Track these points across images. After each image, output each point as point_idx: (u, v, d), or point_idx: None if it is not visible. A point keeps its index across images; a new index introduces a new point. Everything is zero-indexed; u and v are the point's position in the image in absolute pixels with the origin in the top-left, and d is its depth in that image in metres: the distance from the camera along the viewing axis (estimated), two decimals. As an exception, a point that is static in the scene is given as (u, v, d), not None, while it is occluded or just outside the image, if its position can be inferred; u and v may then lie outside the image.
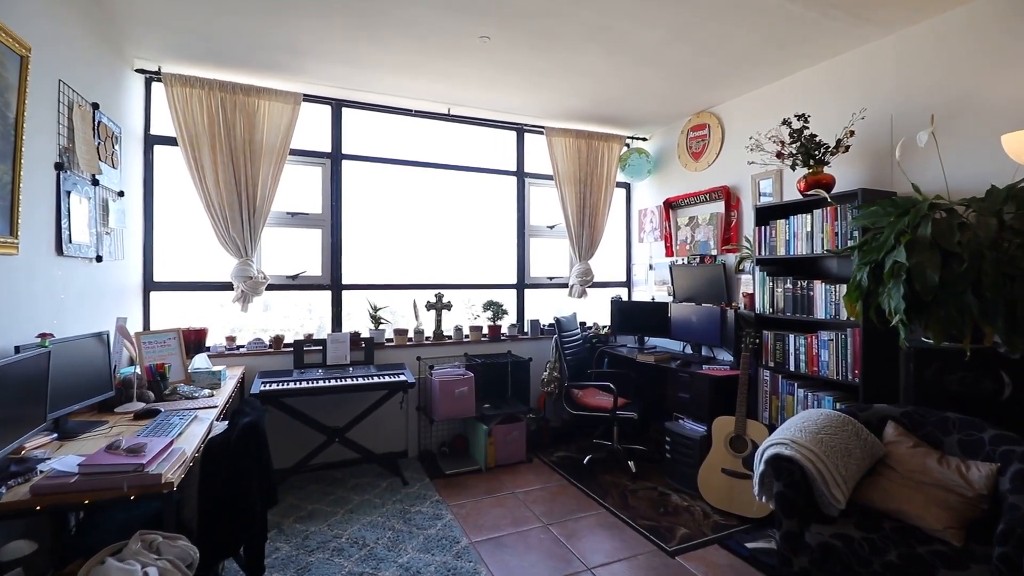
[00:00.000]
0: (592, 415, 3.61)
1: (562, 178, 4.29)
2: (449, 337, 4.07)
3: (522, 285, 4.43)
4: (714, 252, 3.91)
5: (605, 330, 4.50)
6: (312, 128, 3.77)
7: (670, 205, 4.33)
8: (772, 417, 3.12)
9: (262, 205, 3.38)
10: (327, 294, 3.80)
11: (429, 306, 3.99)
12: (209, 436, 1.96)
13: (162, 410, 2.21)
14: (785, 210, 3.12)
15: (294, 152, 3.64)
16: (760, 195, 3.57)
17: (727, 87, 3.56)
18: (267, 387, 3.09)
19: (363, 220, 3.94)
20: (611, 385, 3.54)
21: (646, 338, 4.39)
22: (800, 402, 2.97)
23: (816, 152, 2.89)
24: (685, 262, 4.18)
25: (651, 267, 4.60)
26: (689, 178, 4.19)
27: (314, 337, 3.66)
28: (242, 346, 3.56)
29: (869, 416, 2.38)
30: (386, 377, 3.39)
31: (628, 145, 4.58)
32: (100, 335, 2.26)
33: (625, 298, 4.84)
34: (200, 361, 2.79)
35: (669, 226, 4.33)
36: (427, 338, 4.03)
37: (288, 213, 3.67)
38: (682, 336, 4.03)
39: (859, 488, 2.14)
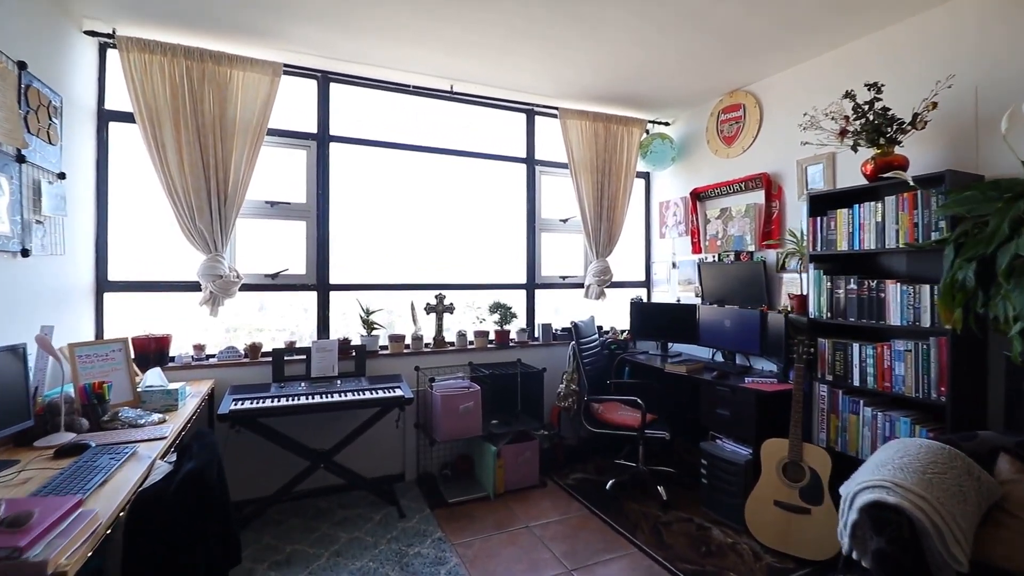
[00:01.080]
0: (616, 434, 3.16)
1: (577, 165, 3.84)
2: (451, 344, 3.61)
3: (532, 285, 3.97)
4: (751, 248, 3.46)
5: (624, 335, 4.05)
6: (295, 105, 3.30)
7: (697, 196, 3.88)
8: (830, 439, 2.67)
9: (235, 192, 2.91)
10: (312, 295, 3.32)
11: (429, 309, 3.53)
12: (145, 483, 1.49)
13: (92, 444, 1.74)
14: (845, 198, 2.67)
15: (273, 132, 3.17)
16: (807, 183, 3.12)
17: (771, 59, 3.12)
18: (239, 405, 2.62)
19: (354, 211, 3.47)
20: (638, 400, 3.09)
21: (670, 344, 3.94)
22: (867, 423, 2.52)
23: (887, 129, 2.45)
24: (716, 259, 3.73)
25: (674, 265, 4.15)
26: (720, 166, 3.75)
27: (297, 345, 3.19)
28: (212, 356, 3.08)
29: (975, 447, 1.93)
30: (379, 392, 2.92)
31: (648, 131, 4.13)
32: (15, 348, 1.78)
33: (646, 299, 4.38)
34: (153, 377, 2.32)
35: (696, 219, 3.88)
36: (427, 345, 3.56)
37: (267, 203, 3.19)
38: (713, 342, 3.59)
39: (976, 541, 1.70)
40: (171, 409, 2.24)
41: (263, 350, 3.14)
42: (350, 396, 2.83)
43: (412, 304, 3.50)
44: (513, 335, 3.79)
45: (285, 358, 3.08)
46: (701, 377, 3.17)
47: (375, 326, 3.36)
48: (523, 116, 3.95)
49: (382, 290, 3.58)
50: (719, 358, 3.66)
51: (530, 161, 3.97)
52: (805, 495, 2.52)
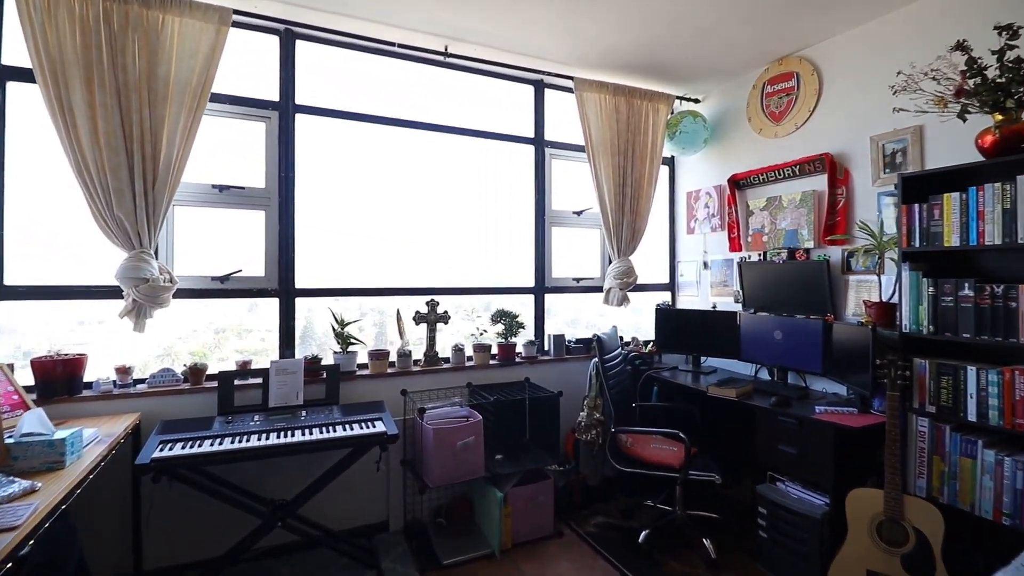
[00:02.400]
0: (650, 474, 2.55)
1: (596, 147, 3.22)
2: (446, 361, 2.98)
3: (542, 289, 3.35)
4: (809, 244, 2.87)
5: (649, 347, 3.44)
6: (251, 66, 2.66)
7: (737, 184, 3.29)
8: (932, 488, 2.08)
9: (168, 172, 2.26)
10: (273, 303, 2.68)
11: (419, 318, 2.90)
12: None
13: None
14: (950, 179, 2.09)
15: (222, 98, 2.53)
16: (884, 164, 2.54)
17: (837, 15, 2.53)
18: (165, 451, 1.97)
19: (326, 199, 2.83)
20: (680, 434, 2.48)
21: (703, 358, 3.35)
22: (987, 470, 1.93)
23: (1019, 89, 1.86)
24: (761, 258, 3.14)
25: (705, 265, 3.56)
26: (765, 147, 3.16)
27: (251, 366, 2.54)
28: (141, 381, 2.43)
29: None
30: (355, 426, 2.28)
31: (674, 110, 3.53)
32: None
33: (672, 305, 3.79)
34: (32, 422, 1.66)
35: (735, 212, 3.29)
36: (416, 363, 2.93)
37: (214, 187, 2.54)
38: (758, 357, 3.00)
39: None
40: (55, 468, 1.59)
41: (209, 373, 2.49)
42: (317, 434, 2.19)
43: (398, 313, 2.87)
44: (519, 348, 3.17)
45: (236, 383, 2.43)
46: (755, 404, 2.57)
47: (352, 341, 2.72)
48: (531, 90, 3.33)
49: (361, 296, 2.94)
50: (765, 375, 3.08)
51: (539, 142, 3.35)
52: (909, 565, 1.93)
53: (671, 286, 3.85)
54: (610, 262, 3.38)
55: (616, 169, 3.25)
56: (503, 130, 3.26)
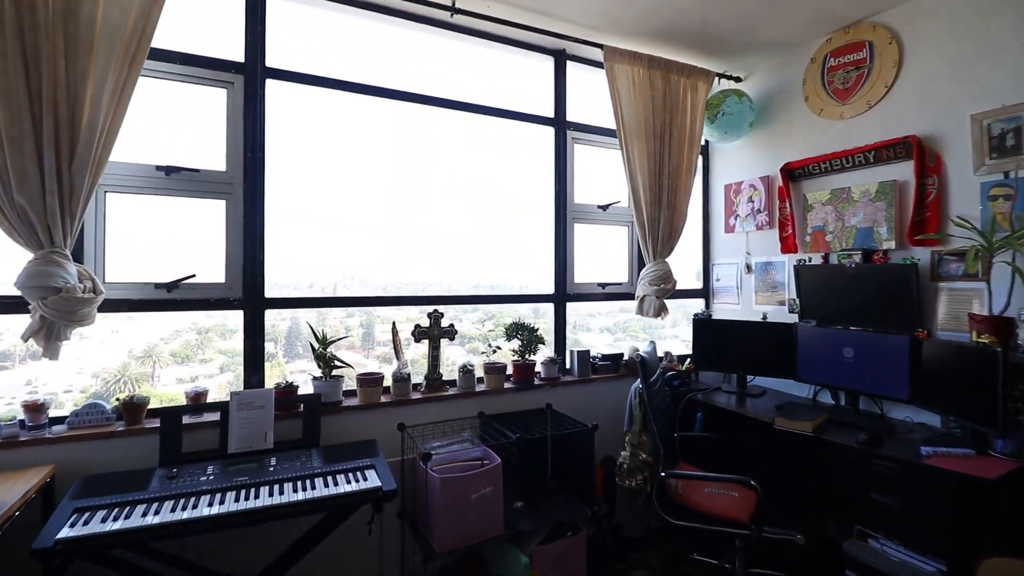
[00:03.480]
0: (710, 529, 2.06)
1: (628, 129, 2.73)
2: (451, 384, 2.46)
3: (563, 296, 2.85)
4: (889, 244, 2.41)
5: (686, 364, 2.96)
6: (210, 16, 2.11)
7: (791, 173, 2.82)
8: (1087, 557, 1.62)
9: (91, 146, 1.70)
10: (237, 316, 2.13)
11: (419, 334, 2.37)
12: None
13: None
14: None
15: (169, 55, 1.98)
16: (991, 147, 2.09)
17: (940, -40, 2.08)
18: (79, 526, 1.42)
19: (304, 187, 2.29)
20: (752, 482, 1.98)
21: (749, 377, 2.87)
22: None
23: None
24: (824, 260, 2.68)
25: (748, 268, 3.09)
26: (828, 130, 2.69)
27: (206, 399, 1.99)
28: (60, 419, 1.86)
29: None
30: (340, 480, 1.75)
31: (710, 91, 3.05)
32: None
33: (709, 313, 3.31)
34: None
35: (789, 206, 2.82)
36: (416, 388, 2.40)
37: (159, 169, 1.99)
38: (822, 378, 2.54)
39: None
40: None
41: (150, 407, 1.94)
42: (289, 493, 1.66)
43: (394, 328, 2.34)
44: (538, 367, 2.66)
45: (186, 420, 1.89)
46: (837, 440, 2.09)
47: (336, 364, 2.18)
48: (550, 62, 2.82)
49: (349, 307, 2.41)
50: (824, 398, 2.62)
51: (560, 123, 2.84)
52: (1076, 666, 1.47)
53: (704, 292, 3.37)
54: (640, 265, 2.89)
55: (651, 156, 2.75)
56: (516, 108, 2.74)
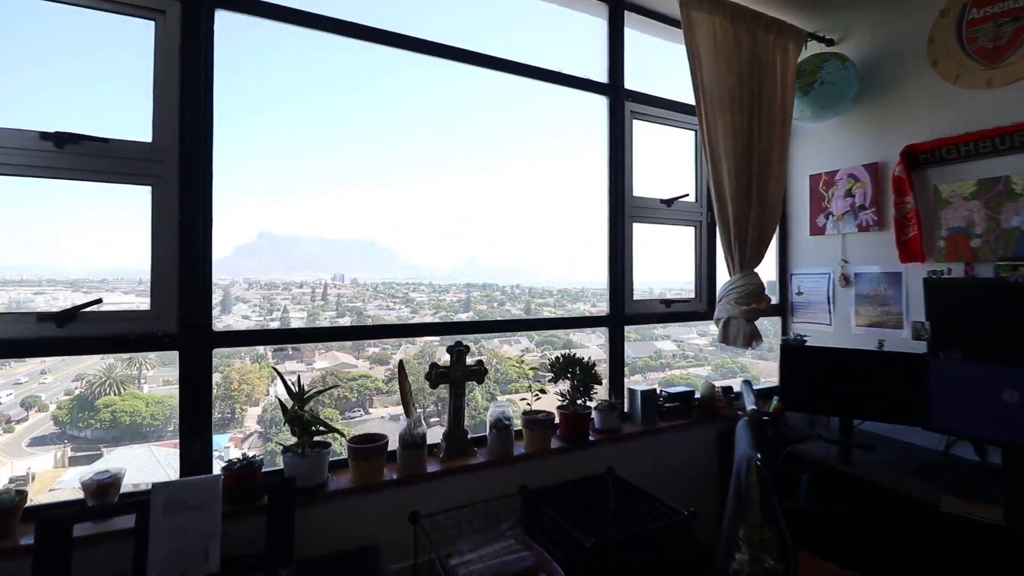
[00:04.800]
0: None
1: (710, 98, 2.07)
2: (480, 446, 1.78)
3: (620, 318, 2.17)
4: (1079, 254, 1.77)
5: (774, 404, 2.31)
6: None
7: (915, 160, 2.18)
8: None
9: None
10: (171, 358, 1.43)
11: (436, 376, 1.69)
12: None
13: None
14: None
15: (56, -43, 1.28)
16: None
17: None
18: None
19: (267, 167, 1.61)
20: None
21: (855, 422, 2.23)
22: None
23: None
24: (966, 272, 2.04)
25: (846, 280, 2.45)
26: (970, 102, 2.05)
27: (117, 492, 1.30)
28: None
29: None
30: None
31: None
32: None
33: (802, 339, 2.66)
34: None
35: (913, 201, 2.18)
36: (433, 451, 1.72)
37: (45, 137, 1.29)
38: (964, 427, 1.91)
39: None
40: None
41: (34, 504, 1.24)
42: (237, 678, 0.97)
43: (400, 368, 1.66)
44: (592, 415, 1.99)
45: (79, 532, 1.19)
46: (1046, 536, 1.44)
47: (318, 427, 1.49)
48: (604, 12, 2.15)
49: (336, 340, 1.73)
50: (961, 451, 1.98)
51: (615, 91, 2.17)
52: None
53: (781, 308, 2.73)
54: (710, 276, 2.24)
55: (738, 134, 2.10)
56: (556, 68, 2.07)
